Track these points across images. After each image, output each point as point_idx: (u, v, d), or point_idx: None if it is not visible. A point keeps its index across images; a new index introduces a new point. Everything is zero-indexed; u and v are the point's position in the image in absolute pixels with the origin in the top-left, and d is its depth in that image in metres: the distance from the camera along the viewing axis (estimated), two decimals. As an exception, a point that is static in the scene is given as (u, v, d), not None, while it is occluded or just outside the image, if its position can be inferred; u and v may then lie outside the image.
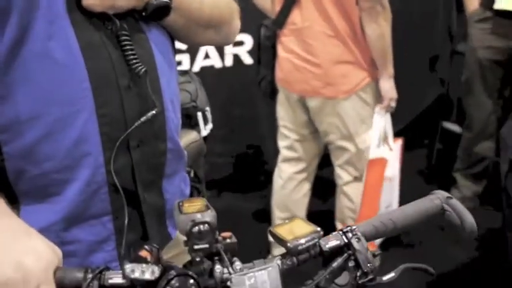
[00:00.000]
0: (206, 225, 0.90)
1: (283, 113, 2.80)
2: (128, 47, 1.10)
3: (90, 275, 0.91)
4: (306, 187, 2.91)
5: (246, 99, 3.48)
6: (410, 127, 4.05)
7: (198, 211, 0.92)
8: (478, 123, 3.46)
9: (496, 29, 3.19)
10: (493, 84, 3.35)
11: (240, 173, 3.56)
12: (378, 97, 2.65)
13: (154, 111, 1.12)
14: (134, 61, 1.10)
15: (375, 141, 2.69)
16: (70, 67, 1.04)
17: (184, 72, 1.94)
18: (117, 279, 0.91)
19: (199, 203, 0.96)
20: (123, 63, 1.10)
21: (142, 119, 1.11)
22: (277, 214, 2.91)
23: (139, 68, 1.10)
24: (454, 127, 4.05)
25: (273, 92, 2.86)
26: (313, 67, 2.57)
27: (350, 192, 2.75)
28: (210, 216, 0.92)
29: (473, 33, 3.32)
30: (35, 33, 1.01)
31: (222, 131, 3.38)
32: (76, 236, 1.13)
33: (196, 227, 0.90)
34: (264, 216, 3.09)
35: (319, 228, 0.97)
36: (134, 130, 1.11)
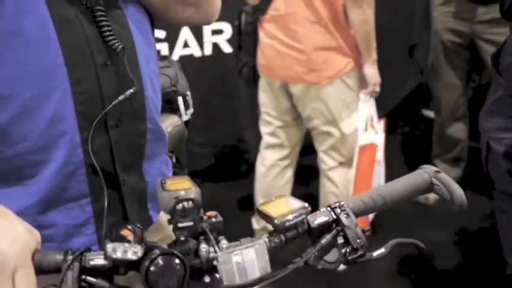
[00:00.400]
0: (190, 202, 0.87)
1: (266, 99, 2.78)
2: (103, 23, 1.07)
3: (70, 257, 0.87)
4: (289, 173, 2.90)
5: (226, 88, 3.45)
6: (391, 115, 4.04)
7: (182, 188, 0.89)
8: (447, 105, 3.46)
9: (458, 13, 3.19)
10: (459, 66, 3.34)
11: (221, 163, 3.53)
12: (362, 83, 2.68)
13: (132, 90, 1.09)
14: (110, 37, 1.07)
15: (362, 126, 2.72)
16: (43, 44, 1.01)
17: (163, 58, 1.90)
18: (99, 261, 0.87)
19: (182, 180, 0.93)
20: (98, 39, 1.07)
21: (120, 97, 1.08)
22: (260, 202, 2.88)
23: (116, 44, 1.07)
24: (432, 114, 4.06)
25: (254, 79, 2.83)
26: (296, 53, 2.57)
27: (334, 178, 2.74)
28: (194, 193, 0.88)
29: (436, 16, 3.32)
30: (5, 10, 0.98)
31: (203, 121, 3.35)
32: (53, 219, 1.10)
33: (180, 204, 0.86)
34: (248, 205, 3.06)
35: (306, 204, 0.95)
36: (112, 109, 1.07)
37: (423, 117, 4.22)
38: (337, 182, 2.75)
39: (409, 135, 4.16)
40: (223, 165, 3.54)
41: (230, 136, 3.59)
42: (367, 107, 2.72)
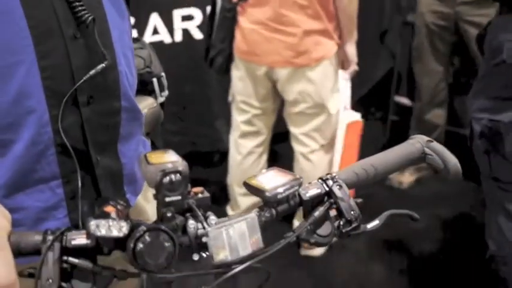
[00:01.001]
0: (178, 174, 0.82)
1: (242, 87, 2.73)
2: None
3: (50, 237, 0.82)
4: (264, 160, 2.87)
5: (197, 75, 3.39)
6: (363, 101, 4.03)
7: (168, 161, 0.84)
8: (427, 90, 3.46)
9: None
10: (441, 51, 3.35)
11: (194, 151, 3.48)
12: (339, 64, 2.72)
13: (104, 64, 1.04)
14: (79, 8, 1.02)
15: (347, 105, 2.80)
16: (7, 14, 0.95)
17: (135, 39, 1.84)
18: (81, 240, 0.82)
19: (167, 153, 0.88)
20: (67, 10, 1.01)
21: (91, 72, 1.03)
22: (236, 190, 2.85)
23: (86, 15, 1.02)
24: (404, 100, 4.06)
25: (227, 67, 2.78)
26: (285, 37, 2.54)
27: (316, 161, 2.72)
28: (181, 165, 0.84)
29: None
30: None
31: (174, 109, 3.29)
32: (22, 202, 1.04)
33: (167, 177, 0.82)
34: (222, 193, 3.01)
35: (298, 176, 0.90)
36: (83, 85, 1.02)
37: (395, 103, 4.22)
38: (318, 165, 2.73)
39: (381, 121, 4.15)
40: (196, 154, 3.48)
41: (202, 124, 3.54)
42: (347, 86, 2.79)
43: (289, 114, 2.74)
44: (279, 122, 2.88)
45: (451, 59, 3.49)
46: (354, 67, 2.75)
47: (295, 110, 2.69)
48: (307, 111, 2.67)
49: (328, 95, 2.66)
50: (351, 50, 2.71)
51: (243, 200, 2.84)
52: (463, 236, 2.93)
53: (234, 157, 2.86)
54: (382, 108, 4.20)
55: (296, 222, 2.58)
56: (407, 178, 3.45)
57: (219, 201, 3.02)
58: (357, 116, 2.84)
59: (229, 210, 2.90)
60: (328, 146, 2.75)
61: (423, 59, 3.40)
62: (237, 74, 2.74)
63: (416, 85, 3.56)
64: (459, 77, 3.68)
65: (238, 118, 2.81)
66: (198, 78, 3.41)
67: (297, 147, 2.78)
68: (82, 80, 1.02)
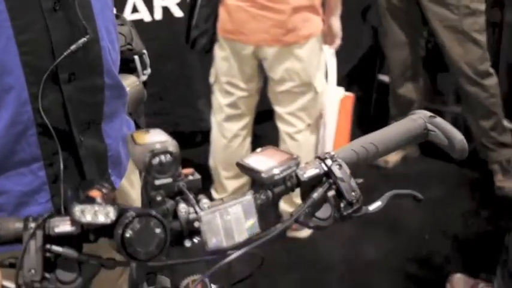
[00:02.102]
0: (168, 155, 0.77)
1: (226, 68, 2.65)
2: None
3: (32, 224, 0.76)
4: (248, 141, 2.81)
5: (178, 54, 3.31)
6: (346, 79, 3.99)
7: (157, 141, 0.78)
8: (396, 64, 3.40)
9: None
10: (406, 22, 3.27)
11: (175, 132, 3.41)
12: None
13: (85, 38, 0.98)
14: None
15: (335, 80, 2.76)
16: None
17: (115, 16, 1.77)
18: (65, 227, 0.77)
19: (155, 132, 0.82)
20: None
21: (72, 47, 0.97)
22: (222, 174, 2.79)
23: None
24: (387, 78, 4.01)
25: (211, 48, 2.71)
26: (273, 14, 2.48)
27: (302, 141, 2.67)
28: (171, 145, 0.78)
29: None
30: None
31: (155, 89, 3.21)
32: (2, 186, 1.00)
33: (157, 158, 0.76)
34: (205, 174, 2.94)
35: (295, 155, 0.85)
36: (64, 61, 0.97)
37: (378, 81, 4.17)
38: (305, 144, 2.68)
39: (365, 100, 4.11)
40: (177, 134, 3.41)
41: (183, 104, 3.47)
42: (334, 61, 2.75)
43: (275, 93, 2.67)
44: (260, 101, 2.82)
45: (421, 32, 3.42)
46: (338, 41, 2.71)
47: (281, 88, 2.63)
48: (293, 90, 2.61)
49: (315, 72, 2.61)
50: (336, 24, 2.66)
51: (229, 183, 2.79)
52: (449, 214, 2.91)
53: (219, 140, 2.79)
54: (365, 87, 4.15)
55: (282, 205, 2.54)
56: (393, 157, 3.41)
57: (203, 182, 2.95)
58: (346, 92, 2.82)
59: (214, 193, 2.84)
60: (315, 126, 2.70)
61: (388, 31, 3.35)
62: (221, 54, 2.66)
63: (385, 59, 3.51)
64: (436, 52, 3.61)
65: (222, 101, 2.73)
66: (179, 57, 3.33)
67: (282, 127, 2.72)
68: (63, 56, 0.96)
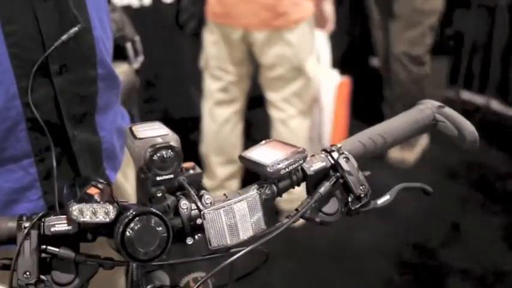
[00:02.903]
0: (170, 150, 0.73)
1: (216, 52, 2.60)
2: None
3: (26, 224, 0.72)
4: (240, 128, 2.77)
5: (168, 40, 3.26)
6: (337, 64, 3.95)
7: (158, 135, 0.75)
8: (382, 44, 3.39)
9: None
10: (384, 4, 3.25)
11: (166, 118, 3.37)
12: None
13: (77, 28, 0.93)
14: None
15: (329, 64, 2.74)
16: None
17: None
18: (62, 226, 0.73)
19: (155, 125, 0.78)
20: None
21: (63, 37, 0.92)
22: (213, 160, 2.75)
23: None
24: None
25: (200, 32, 2.66)
26: None
27: (295, 127, 2.63)
28: (173, 139, 0.74)
29: None
30: None
31: (146, 75, 3.16)
32: None
33: (158, 153, 0.72)
34: (197, 161, 2.91)
35: (301, 148, 0.81)
36: (55, 52, 0.91)
37: (370, 65, 4.15)
38: (298, 131, 2.64)
39: (357, 84, 4.08)
40: (168, 120, 3.37)
41: (174, 91, 3.42)
42: (327, 45, 2.73)
43: (266, 79, 2.63)
44: (252, 87, 2.78)
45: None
46: (331, 26, 2.68)
47: (272, 74, 2.59)
48: (285, 76, 2.57)
49: (306, 58, 2.57)
50: (328, 7, 2.63)
51: (220, 170, 2.75)
52: (444, 199, 2.89)
53: (209, 126, 2.75)
54: (357, 72, 4.12)
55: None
56: (409, 155, 3.37)
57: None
58: (342, 77, 2.79)
59: (205, 180, 2.80)
60: (307, 112, 2.67)
61: (371, 12, 3.35)
62: (211, 38, 2.61)
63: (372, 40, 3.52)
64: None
65: (212, 86, 2.69)
66: (169, 43, 3.28)
67: (274, 114, 2.68)
68: (53, 47, 0.91)
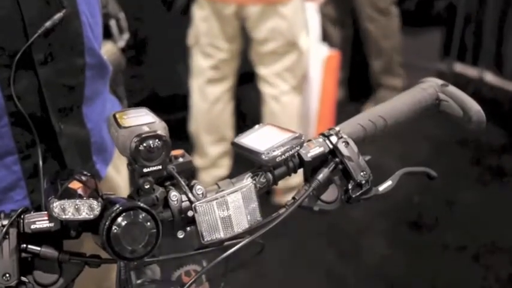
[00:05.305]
0: (157, 140, 0.67)
1: (207, 28, 2.54)
2: None
3: (5, 222, 0.68)
4: (231, 106, 2.72)
5: (154, 16, 3.18)
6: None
7: (143, 123, 0.69)
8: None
9: None
10: None
11: (153, 97, 3.31)
12: None
13: (62, 13, 0.87)
14: None
15: (319, 38, 2.70)
16: None
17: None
18: (43, 223, 0.68)
19: (142, 112, 0.73)
20: None
21: (47, 23, 0.86)
22: (204, 139, 2.70)
23: None
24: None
25: (188, 9, 2.60)
26: None
27: (287, 103, 2.59)
28: (160, 128, 0.69)
29: None
30: None
31: (131, 53, 3.10)
32: None
33: (145, 143, 0.67)
34: (186, 140, 2.86)
35: (298, 133, 0.76)
36: (39, 40, 0.85)
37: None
38: (290, 107, 2.60)
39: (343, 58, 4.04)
40: (155, 98, 3.31)
41: (161, 69, 3.36)
42: (317, 19, 2.69)
43: (258, 54, 2.58)
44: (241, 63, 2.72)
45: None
46: None
47: (265, 49, 2.53)
48: (278, 50, 2.52)
49: (299, 31, 2.53)
50: None
51: (212, 148, 2.70)
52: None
53: (200, 105, 2.69)
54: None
55: None
56: None
57: (184, 149, 2.87)
58: (330, 50, 2.75)
59: (197, 160, 2.75)
60: (299, 87, 2.62)
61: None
62: (201, 14, 2.54)
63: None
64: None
65: (203, 63, 2.62)
66: (156, 19, 3.21)
67: (266, 89, 2.63)
68: (36, 34, 0.85)
